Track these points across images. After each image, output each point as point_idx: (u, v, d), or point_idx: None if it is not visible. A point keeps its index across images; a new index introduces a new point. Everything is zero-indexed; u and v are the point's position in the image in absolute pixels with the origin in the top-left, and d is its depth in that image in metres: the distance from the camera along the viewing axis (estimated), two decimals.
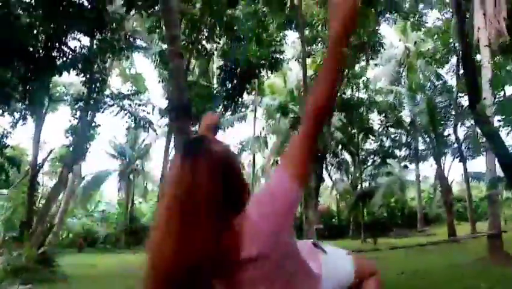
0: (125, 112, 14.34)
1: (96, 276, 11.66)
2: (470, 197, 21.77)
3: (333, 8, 1.06)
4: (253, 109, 17.72)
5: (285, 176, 0.97)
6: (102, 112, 13.43)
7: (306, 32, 14.56)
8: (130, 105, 14.65)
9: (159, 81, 14.94)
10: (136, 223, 28.14)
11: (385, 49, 17.14)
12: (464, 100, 22.33)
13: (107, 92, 14.02)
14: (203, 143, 1.01)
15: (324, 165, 16.68)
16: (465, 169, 21.21)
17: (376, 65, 24.10)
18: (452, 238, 17.42)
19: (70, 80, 17.60)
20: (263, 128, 22.51)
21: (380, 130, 23.25)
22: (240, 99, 12.94)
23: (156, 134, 19.33)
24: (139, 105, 14.85)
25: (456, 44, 19.25)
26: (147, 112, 15.18)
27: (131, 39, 14.45)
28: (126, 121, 14.58)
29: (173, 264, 0.87)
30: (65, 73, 11.69)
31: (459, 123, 21.42)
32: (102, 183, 27.61)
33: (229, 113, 13.72)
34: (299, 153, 1.00)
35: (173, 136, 9.29)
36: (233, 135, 59.06)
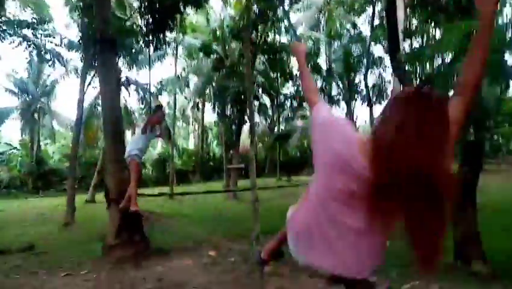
0: (28, 43, 12.71)
1: (7, 222, 10.93)
2: None
3: None
4: (175, 47, 16.96)
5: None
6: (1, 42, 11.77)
7: None
8: (34, 34, 12.96)
9: (74, 9, 13.31)
10: (44, 166, 26.28)
11: None
12: (375, 50, 23.99)
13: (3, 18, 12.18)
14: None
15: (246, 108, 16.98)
16: (371, 113, 23.29)
17: (298, 10, 24.29)
18: None
19: None
20: (184, 68, 21.85)
21: (298, 75, 24.03)
22: (162, 36, 12.14)
23: (66, 70, 17.64)
24: (45, 36, 13.21)
25: None
26: (56, 44, 13.65)
27: None
28: (30, 53, 12.97)
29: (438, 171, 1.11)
30: None
31: (370, 71, 23.13)
32: (0, 123, 24.75)
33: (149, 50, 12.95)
34: (461, 116, 1.26)
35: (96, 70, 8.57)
36: (153, 73, 56.29)
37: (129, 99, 26.03)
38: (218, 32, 18.45)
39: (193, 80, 22.10)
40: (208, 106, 24.94)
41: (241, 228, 7.74)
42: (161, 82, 18.33)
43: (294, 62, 24.18)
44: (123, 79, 19.15)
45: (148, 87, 13.72)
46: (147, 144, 5.63)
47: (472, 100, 1.28)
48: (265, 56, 17.67)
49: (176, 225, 8.92)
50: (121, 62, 15.21)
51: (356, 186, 1.23)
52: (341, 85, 22.59)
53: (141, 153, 5.35)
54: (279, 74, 20.82)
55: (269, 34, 15.79)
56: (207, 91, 21.98)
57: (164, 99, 24.56)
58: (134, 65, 16.98)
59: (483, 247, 4.38)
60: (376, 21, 20.19)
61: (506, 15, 5.51)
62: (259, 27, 14.83)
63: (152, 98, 18.00)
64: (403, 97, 1.23)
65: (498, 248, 4.80)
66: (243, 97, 15.22)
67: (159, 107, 5.77)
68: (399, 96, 1.27)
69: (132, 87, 17.71)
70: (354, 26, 24.74)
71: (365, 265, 1.42)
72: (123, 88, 18.22)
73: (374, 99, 22.80)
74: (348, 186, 1.26)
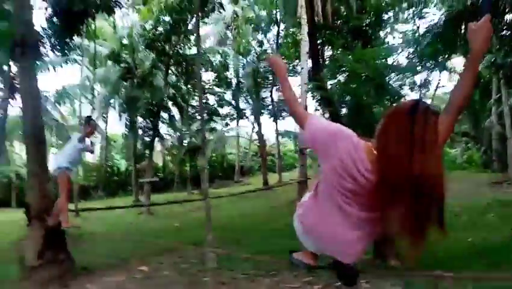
0: None
1: None
2: (279, 151, 25.54)
3: (473, 33, 1.49)
4: (81, 53, 15.87)
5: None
6: None
7: None
8: None
9: None
10: None
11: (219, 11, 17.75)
12: None
13: None
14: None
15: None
16: (276, 127, 24.62)
17: (205, 23, 24.69)
18: (271, 185, 20.14)
19: None
20: (87, 76, 20.41)
21: (208, 88, 24.32)
22: (69, 40, 11.47)
23: None
24: None
25: (278, 16, 21.55)
26: None
27: None
28: None
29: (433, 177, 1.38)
30: None
31: (275, 88, 24.49)
32: None
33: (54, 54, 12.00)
34: (446, 131, 1.52)
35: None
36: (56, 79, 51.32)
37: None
38: (126, 41, 17.83)
39: (99, 89, 20.86)
40: (112, 117, 23.78)
41: (164, 243, 7.63)
42: (63, 87, 16.92)
43: (206, 75, 24.52)
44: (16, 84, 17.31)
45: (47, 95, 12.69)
46: (79, 157, 5.33)
47: (457, 118, 1.59)
48: (178, 68, 17.59)
49: (93, 243, 8.38)
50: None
51: (361, 184, 1.50)
52: (249, 100, 23.45)
53: (72, 166, 5.04)
54: (190, 87, 20.82)
55: (181, 45, 15.79)
56: (112, 101, 20.98)
57: (65, 109, 22.73)
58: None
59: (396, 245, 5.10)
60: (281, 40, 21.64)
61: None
62: (173, 38, 14.75)
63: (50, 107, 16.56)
64: (403, 108, 1.48)
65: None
66: (155, 109, 14.90)
67: (90, 118, 5.48)
68: (399, 107, 1.54)
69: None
70: (260, 44, 26.01)
71: (357, 251, 1.72)
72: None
73: (278, 114, 24.18)
74: (353, 184, 1.51)
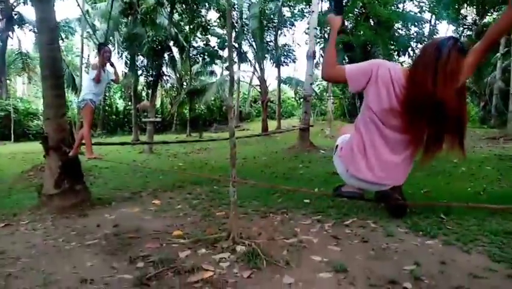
0: None
1: None
2: (279, 98, 25.43)
3: None
4: None
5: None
6: None
7: None
8: None
9: None
10: None
11: None
12: (286, 11, 24.59)
13: None
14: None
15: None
16: (279, 74, 24.28)
17: None
18: (274, 130, 20.26)
19: None
20: (87, 11, 19.61)
21: (210, 28, 23.57)
22: None
23: None
24: None
25: None
26: None
27: None
28: None
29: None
30: None
31: (280, 32, 23.83)
32: None
33: None
34: (475, 59, 1.68)
35: None
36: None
37: (24, 39, 22.82)
38: None
39: (99, 25, 20.12)
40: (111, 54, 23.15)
41: (171, 180, 7.84)
42: (65, 20, 16.27)
43: (211, 15, 23.64)
44: (15, 16, 16.67)
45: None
46: (103, 89, 5.32)
47: (487, 49, 1.71)
48: (183, 6, 16.90)
49: (103, 177, 8.59)
50: None
51: (395, 102, 1.71)
52: (253, 44, 22.87)
53: (96, 98, 5.05)
54: (195, 27, 20.14)
55: None
56: (111, 38, 20.33)
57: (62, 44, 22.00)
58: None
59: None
60: None
61: None
62: None
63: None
64: (436, 41, 1.67)
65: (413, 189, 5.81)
66: (160, 47, 14.52)
67: (103, 44, 5.35)
68: (434, 40, 1.71)
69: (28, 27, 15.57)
70: None
71: (404, 172, 1.93)
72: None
73: (281, 60, 23.74)
74: (389, 103, 1.72)
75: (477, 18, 24.32)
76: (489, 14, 23.36)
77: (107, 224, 4.65)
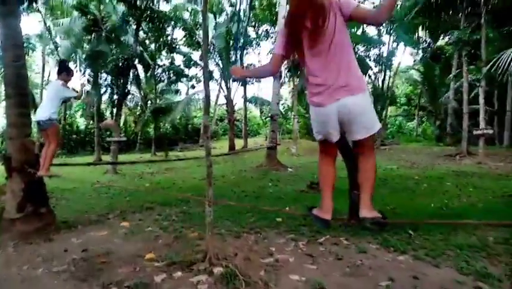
0: None
1: None
2: (245, 117, 25.62)
3: None
4: (44, 0, 14.74)
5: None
6: None
7: None
8: None
9: None
10: None
11: None
12: (251, 31, 25.08)
13: None
14: None
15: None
16: (245, 92, 24.52)
17: None
18: (247, 148, 20.31)
19: None
20: (48, 27, 19.04)
21: (176, 47, 23.56)
22: None
23: None
24: None
25: None
26: None
27: None
28: None
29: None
30: None
31: (246, 52, 24.21)
32: None
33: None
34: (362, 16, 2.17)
35: None
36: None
37: None
38: None
39: (60, 42, 19.61)
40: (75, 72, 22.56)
41: (138, 201, 7.65)
42: (26, 36, 15.72)
43: (176, 33, 23.68)
44: None
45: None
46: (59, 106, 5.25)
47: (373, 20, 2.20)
48: (149, 25, 16.85)
49: (66, 199, 8.24)
50: None
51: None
52: (219, 63, 23.04)
53: (57, 116, 4.97)
54: (160, 45, 20.07)
55: (154, 0, 15.05)
56: (72, 55, 19.84)
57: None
58: None
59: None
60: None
61: None
62: None
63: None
64: None
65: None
66: (124, 65, 14.31)
67: (65, 61, 5.32)
68: None
69: None
70: (231, 5, 25.32)
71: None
72: None
73: (248, 80, 24.04)
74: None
75: (431, 41, 25.87)
76: (441, 38, 24.92)
77: (75, 248, 4.45)
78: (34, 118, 5.48)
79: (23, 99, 4.95)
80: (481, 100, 14.60)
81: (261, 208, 5.67)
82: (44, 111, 5.08)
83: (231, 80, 22.76)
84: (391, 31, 22.50)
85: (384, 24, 19.47)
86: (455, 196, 7.28)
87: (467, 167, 12.62)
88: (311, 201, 7.01)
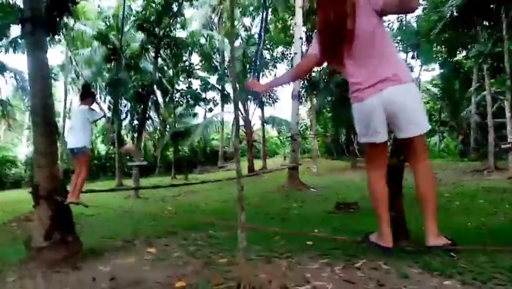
0: None
1: None
2: (264, 137, 25.57)
3: None
4: (65, 33, 15.28)
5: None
6: None
7: None
8: None
9: None
10: None
11: None
12: (267, 53, 25.33)
13: None
14: None
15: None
16: (262, 114, 24.58)
17: (191, 5, 24.17)
18: (263, 170, 20.17)
19: None
20: (71, 58, 19.66)
21: (192, 71, 23.91)
22: (58, 19, 11.06)
23: None
24: None
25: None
26: None
27: None
28: None
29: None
30: None
31: (262, 74, 24.34)
32: None
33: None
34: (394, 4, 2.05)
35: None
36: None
37: (4, 87, 22.67)
38: (112, 20, 17.27)
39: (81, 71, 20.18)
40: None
41: (163, 225, 7.55)
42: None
43: (193, 58, 24.18)
44: None
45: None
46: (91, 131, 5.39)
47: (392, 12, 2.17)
48: (167, 51, 17.20)
49: (90, 225, 8.21)
50: None
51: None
52: (237, 85, 23.19)
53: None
54: (178, 71, 20.41)
55: (171, 28, 15.39)
56: (93, 83, 20.31)
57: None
58: (11, 49, 14.90)
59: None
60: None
61: None
62: (164, 20, 14.36)
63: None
64: None
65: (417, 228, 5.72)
66: (144, 92, 14.54)
67: (89, 85, 5.57)
68: None
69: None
70: (246, 29, 25.73)
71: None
72: None
73: (265, 101, 24.16)
74: None
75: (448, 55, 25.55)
76: (458, 52, 24.60)
77: (103, 277, 4.34)
78: (68, 145, 5.61)
79: (50, 128, 4.98)
80: (508, 113, 14.16)
81: (307, 234, 5.41)
82: (78, 139, 5.18)
83: (248, 102, 22.86)
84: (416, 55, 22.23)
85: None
86: (492, 214, 6.93)
87: (496, 182, 12.14)
88: (340, 224, 6.80)
